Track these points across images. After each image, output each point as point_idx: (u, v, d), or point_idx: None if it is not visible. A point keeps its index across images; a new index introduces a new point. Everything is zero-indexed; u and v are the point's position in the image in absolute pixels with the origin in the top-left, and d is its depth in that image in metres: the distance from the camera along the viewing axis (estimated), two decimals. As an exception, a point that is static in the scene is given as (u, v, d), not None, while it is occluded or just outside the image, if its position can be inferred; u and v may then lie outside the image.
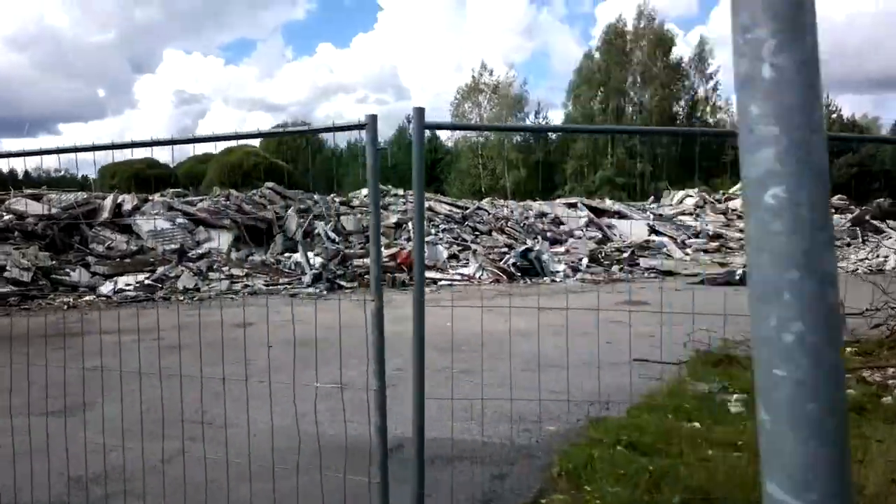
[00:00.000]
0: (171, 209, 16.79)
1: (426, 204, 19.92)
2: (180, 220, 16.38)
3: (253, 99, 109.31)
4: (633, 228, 22.66)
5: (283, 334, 7.40)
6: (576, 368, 5.63)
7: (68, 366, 5.40)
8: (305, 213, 17.88)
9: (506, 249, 18.27)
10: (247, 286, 13.67)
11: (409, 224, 18.77)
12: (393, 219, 18.91)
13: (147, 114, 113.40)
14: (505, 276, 15.68)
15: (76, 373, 5.75)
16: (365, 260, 15.95)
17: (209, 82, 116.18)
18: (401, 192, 20.81)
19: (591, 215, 22.28)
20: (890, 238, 20.29)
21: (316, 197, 19.00)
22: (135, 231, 15.63)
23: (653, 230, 22.86)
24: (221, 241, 16.16)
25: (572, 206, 23.16)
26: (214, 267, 14.84)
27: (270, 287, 13.76)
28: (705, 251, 22.36)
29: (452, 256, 17.24)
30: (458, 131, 53.90)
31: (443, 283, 14.86)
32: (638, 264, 18.79)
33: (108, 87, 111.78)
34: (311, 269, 15.05)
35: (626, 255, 19.44)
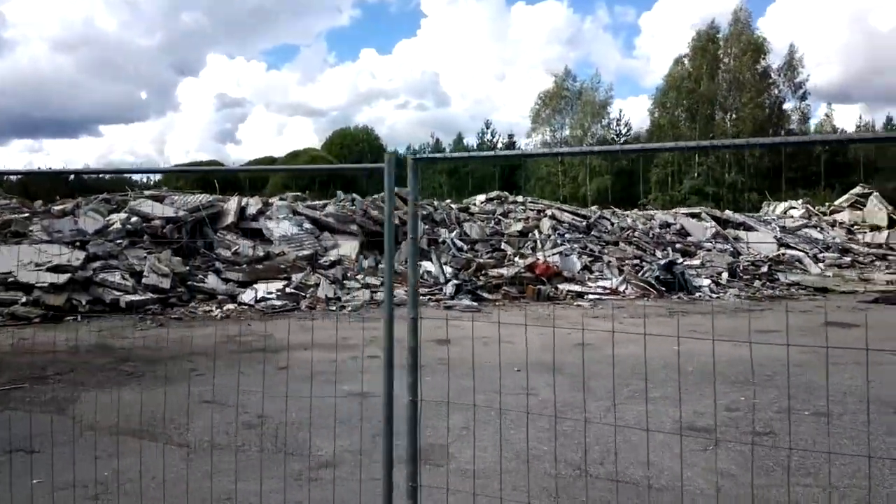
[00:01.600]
0: (295, 213, 16.27)
1: (549, 211, 19.00)
2: (307, 224, 15.84)
3: (294, 103, 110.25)
4: (760, 240, 21.17)
5: (488, 354, 6.55)
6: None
7: (326, 393, 4.66)
8: (428, 220, 17.13)
9: (637, 261, 17.13)
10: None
11: (536, 232, 17.85)
12: (516, 227, 17.98)
13: (189, 116, 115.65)
14: (653, 291, 14.54)
15: (353, 405, 4.98)
16: (500, 270, 15.10)
17: (251, 86, 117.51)
18: (520, 199, 19.88)
19: (717, 226, 20.90)
20: None
21: (435, 203, 18.25)
22: (264, 236, 15.13)
23: (781, 243, 21.33)
24: (349, 247, 15.54)
25: (695, 216, 21.81)
26: (349, 275, 14.19)
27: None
28: (839, 266, 20.73)
29: (585, 268, 16.20)
30: (537, 136, 52.67)
31: (590, 296, 13.83)
32: (777, 279, 17.35)
33: (151, 90, 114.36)
34: (448, 279, 14.25)
35: (763, 269, 18.04)
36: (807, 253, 20.59)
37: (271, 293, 12.53)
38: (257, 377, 5.84)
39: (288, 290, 12.78)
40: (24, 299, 10.57)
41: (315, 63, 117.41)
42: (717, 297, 14.36)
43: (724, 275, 16.81)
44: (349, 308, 11.97)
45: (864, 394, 5.50)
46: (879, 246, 23.22)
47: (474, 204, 19.72)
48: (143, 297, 11.79)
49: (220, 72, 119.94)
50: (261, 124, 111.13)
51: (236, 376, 5.23)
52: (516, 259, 15.70)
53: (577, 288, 14.40)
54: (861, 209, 29.65)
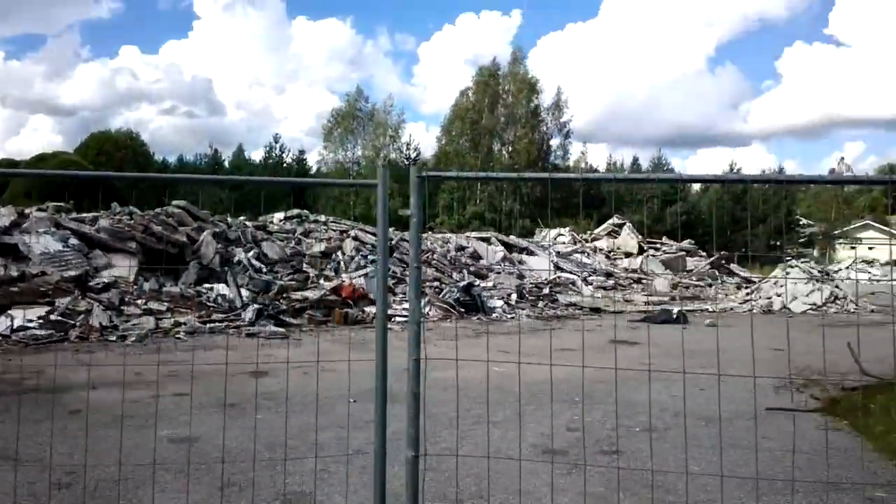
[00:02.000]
0: (58, 227, 14.06)
1: (352, 232, 18.66)
2: (73, 241, 13.74)
3: (36, 99, 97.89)
4: (538, 265, 22.88)
5: (307, 384, 6.14)
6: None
7: (142, 440, 3.90)
8: (220, 238, 15.85)
9: (436, 283, 17.49)
10: (179, 323, 11.62)
11: (339, 253, 17.40)
12: (318, 247, 17.38)
13: None
14: (454, 312, 14.87)
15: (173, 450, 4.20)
16: (303, 293, 14.41)
17: None
18: (322, 218, 19.27)
19: (505, 251, 22.19)
20: (762, 281, 22.12)
21: (229, 219, 16.98)
22: (20, 253, 12.83)
23: (557, 267, 23.25)
24: (125, 267, 13.75)
25: (485, 240, 22.94)
26: (127, 300, 12.52)
27: (209, 325, 11.81)
28: (604, 288, 23.14)
29: (388, 290, 16.07)
30: (329, 154, 52.13)
31: (398, 319, 13.71)
32: (557, 300, 18.84)
33: None
34: (246, 303, 13.24)
35: (545, 291, 19.47)
36: (578, 276, 22.68)
37: (31, 321, 10.56)
38: (46, 424, 4.76)
39: (52, 317, 10.89)
40: None
41: (64, 56, 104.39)
42: (512, 318, 15.10)
43: (514, 296, 17.82)
44: (132, 338, 10.49)
45: (674, 408, 5.96)
46: (634, 271, 26.36)
47: (272, 222, 18.72)
48: None
49: None
50: None
51: (16, 424, 4.16)
52: (320, 281, 15.12)
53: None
54: (616, 237, 33.51)
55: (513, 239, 25.08)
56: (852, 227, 58.80)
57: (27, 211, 14.77)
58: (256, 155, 58.26)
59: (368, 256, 17.80)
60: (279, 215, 19.09)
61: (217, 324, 12.00)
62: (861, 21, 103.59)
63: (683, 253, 28.53)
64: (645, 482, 3.95)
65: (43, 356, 8.75)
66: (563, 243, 30.76)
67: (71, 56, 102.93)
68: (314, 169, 53.70)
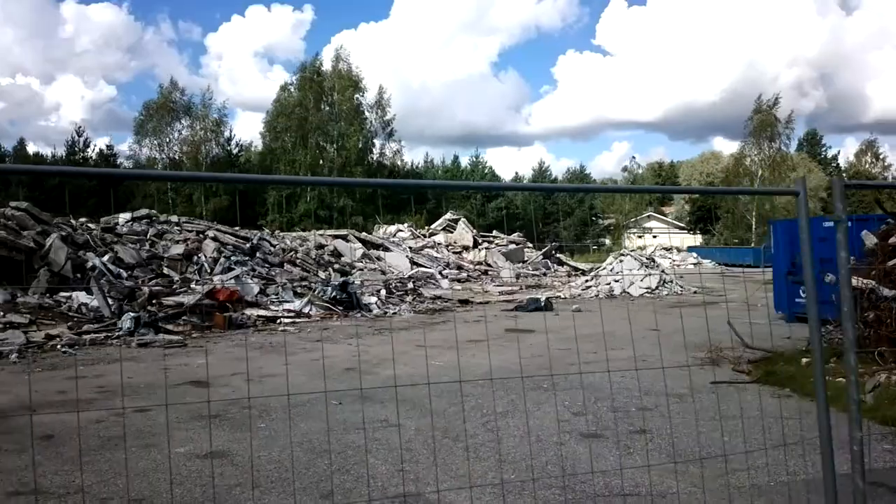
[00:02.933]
0: None
1: (210, 232, 17.78)
2: None
3: None
4: (396, 260, 23.44)
5: (262, 390, 6.19)
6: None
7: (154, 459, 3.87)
8: (67, 242, 14.37)
9: (303, 282, 17.33)
10: (52, 336, 10.51)
11: (201, 255, 16.53)
12: (177, 249, 16.35)
13: None
14: (336, 311, 14.91)
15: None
16: (174, 298, 13.60)
17: None
18: (174, 218, 18.05)
19: (364, 248, 22.42)
20: (599, 269, 24.63)
21: (72, 221, 15.42)
22: None
23: (413, 262, 23.98)
24: (-35, 277, 12.06)
25: (342, 237, 22.95)
26: (-22, 313, 11.04)
27: (85, 336, 10.80)
28: (458, 280, 24.30)
29: (260, 292, 15.68)
30: (143, 150, 48.04)
31: (283, 320, 13.49)
32: (422, 294, 19.56)
33: None
34: (115, 312, 12.25)
35: (409, 285, 20.08)
36: (434, 270, 23.59)
37: None
38: (26, 454, 4.39)
39: None
40: None
41: None
42: (391, 313, 15.47)
43: (383, 292, 18.19)
44: (12, 354, 9.35)
45: (638, 389, 6.78)
46: (479, 263, 27.92)
47: (117, 223, 17.22)
48: None
49: None
50: None
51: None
52: (192, 286, 14.34)
53: (265, 312, 13.90)
54: (452, 232, 35.01)
55: (367, 236, 25.32)
56: (639, 217, 66.47)
57: None
58: (36, 150, 51.93)
59: (231, 258, 17.13)
60: (125, 216, 17.60)
61: (93, 335, 11.01)
62: (624, 32, 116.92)
63: (520, 245, 30.64)
64: (691, 453, 4.67)
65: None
66: (403, 239, 31.58)
67: None
68: (123, 164, 49.25)
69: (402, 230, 34.24)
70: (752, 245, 48.61)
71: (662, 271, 21.05)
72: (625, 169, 69.81)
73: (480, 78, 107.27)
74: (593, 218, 67.83)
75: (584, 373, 6.34)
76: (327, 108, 51.53)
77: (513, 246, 30.18)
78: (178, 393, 6.93)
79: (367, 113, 54.46)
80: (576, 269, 30.03)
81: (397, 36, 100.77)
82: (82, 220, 16.42)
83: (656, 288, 20.03)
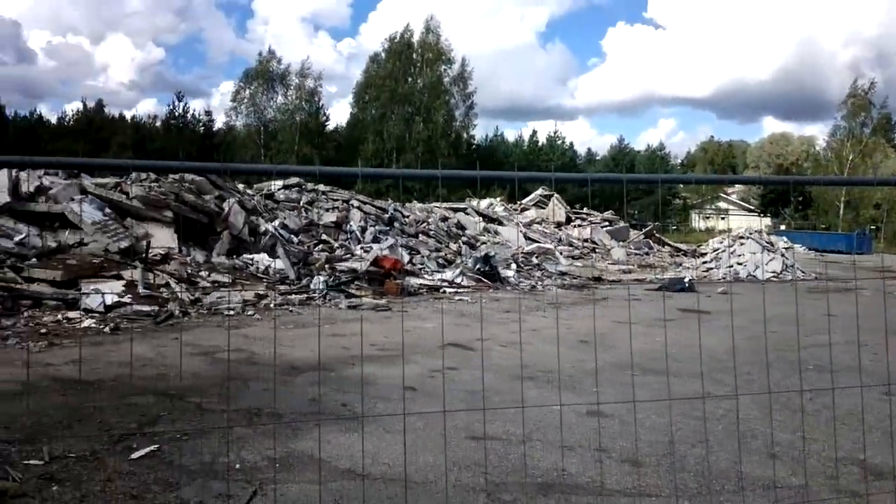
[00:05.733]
0: (84, 192, 12.95)
1: (353, 202, 18.53)
2: (107, 209, 12.76)
3: None
4: (509, 235, 23.83)
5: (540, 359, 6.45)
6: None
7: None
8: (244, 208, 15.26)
9: (441, 254, 17.91)
10: (261, 296, 11.33)
11: (352, 224, 17.29)
12: (330, 217, 17.15)
13: None
14: (486, 282, 15.43)
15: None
16: (346, 264, 14.36)
17: None
18: (321, 187, 18.85)
19: (483, 221, 22.90)
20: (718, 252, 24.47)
21: (241, 187, 16.33)
22: (50, 222, 11.79)
23: (527, 237, 24.33)
24: (167, 237, 13.02)
25: (461, 210, 23.47)
26: (189, 273, 11.95)
27: (295, 297, 11.61)
28: (573, 257, 24.56)
29: (409, 262, 16.34)
30: (239, 119, 49.68)
31: (447, 290, 14.08)
32: (546, 269, 19.91)
33: None
34: (306, 276, 13.06)
35: (534, 260, 20.47)
36: (551, 246, 23.89)
37: (123, 296, 9.93)
38: (375, 430, 4.91)
39: (141, 291, 10.27)
40: None
41: None
42: (545, 287, 15.90)
43: (513, 266, 18.63)
44: (249, 311, 10.18)
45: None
46: (586, 241, 28.06)
47: (271, 191, 18.11)
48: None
49: None
50: None
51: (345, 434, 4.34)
52: (358, 252, 15.09)
53: (426, 282, 14.52)
54: (544, 208, 35.11)
55: (482, 209, 25.75)
56: (710, 197, 65.36)
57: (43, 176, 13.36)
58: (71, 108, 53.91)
59: (377, 227, 17.84)
60: (279, 183, 18.48)
61: (296, 295, 11.81)
62: (677, 5, 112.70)
63: (624, 224, 30.62)
64: None
65: (199, 332, 8.34)
66: (496, 213, 31.91)
67: None
68: (221, 129, 50.85)
69: (493, 203, 34.55)
70: (840, 230, 47.27)
71: (782, 255, 20.85)
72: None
73: (527, 49, 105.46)
74: (671, 198, 66.71)
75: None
76: (414, 80, 51.87)
77: (620, 224, 30.22)
78: (459, 354, 7.50)
79: (449, 86, 54.59)
80: (677, 249, 29.89)
81: (443, 4, 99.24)
82: (241, 186, 17.28)
83: (781, 272, 19.90)
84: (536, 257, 20.93)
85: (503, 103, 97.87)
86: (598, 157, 71.69)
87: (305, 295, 11.98)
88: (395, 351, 7.49)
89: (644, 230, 32.41)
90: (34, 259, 10.87)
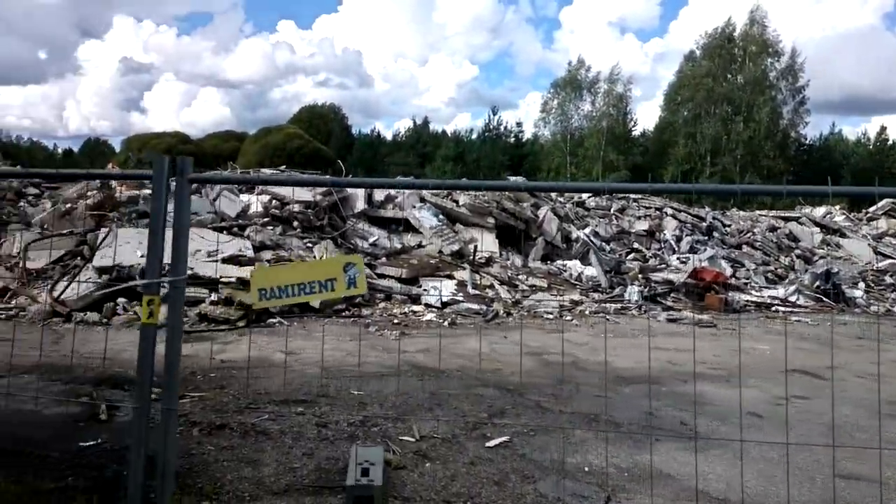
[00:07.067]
0: (422, 201, 14.59)
1: (667, 209, 17.82)
2: (440, 215, 14.20)
3: (205, 73, 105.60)
4: (855, 249, 20.60)
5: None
6: None
7: None
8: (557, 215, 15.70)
9: (769, 268, 16.17)
10: (576, 302, 11.51)
11: (666, 232, 16.66)
12: (641, 225, 16.77)
13: (91, 81, 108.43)
14: (830, 302, 13.54)
15: None
16: (662, 274, 13.83)
17: (159, 52, 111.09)
18: (633, 195, 18.57)
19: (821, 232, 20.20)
20: None
21: (553, 195, 16.82)
22: (391, 227, 13.47)
23: (876, 251, 20.80)
24: (489, 242, 14.00)
25: (793, 219, 21.07)
26: (510, 276, 12.68)
27: (609, 306, 11.59)
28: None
29: (731, 275, 15.08)
30: (545, 129, 51.62)
31: (782, 309, 12.70)
32: (903, 291, 16.68)
33: (51, 50, 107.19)
34: (619, 284, 12.92)
35: (887, 279, 17.38)
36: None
37: (456, 294, 10.93)
38: None
39: (470, 291, 11.20)
40: (213, 297, 8.70)
41: (230, 32, 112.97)
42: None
43: (861, 285, 16.02)
44: (568, 317, 10.46)
45: None
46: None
47: (579, 197, 18.37)
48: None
49: (127, 35, 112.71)
50: (168, 93, 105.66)
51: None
52: (674, 262, 14.48)
53: (756, 298, 13.28)
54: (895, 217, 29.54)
55: (820, 219, 22.77)
56: None
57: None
58: (400, 125, 59.71)
59: (694, 237, 16.87)
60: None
61: (607, 304, 11.76)
62: None
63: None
64: None
65: (489, 335, 8.82)
66: (836, 222, 27.72)
67: (235, 32, 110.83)
68: (529, 139, 53.30)
69: (832, 212, 30.22)
70: None
71: None
72: None
73: (869, 33, 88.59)
74: None
75: None
76: (734, 77, 47.95)
77: None
78: (806, 382, 6.71)
79: (776, 81, 49.28)
80: None
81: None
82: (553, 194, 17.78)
83: None
84: (891, 276, 17.75)
85: (837, 96, 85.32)
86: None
87: (620, 304, 11.84)
88: (725, 370, 6.98)
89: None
90: (384, 258, 12.56)
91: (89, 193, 11.61)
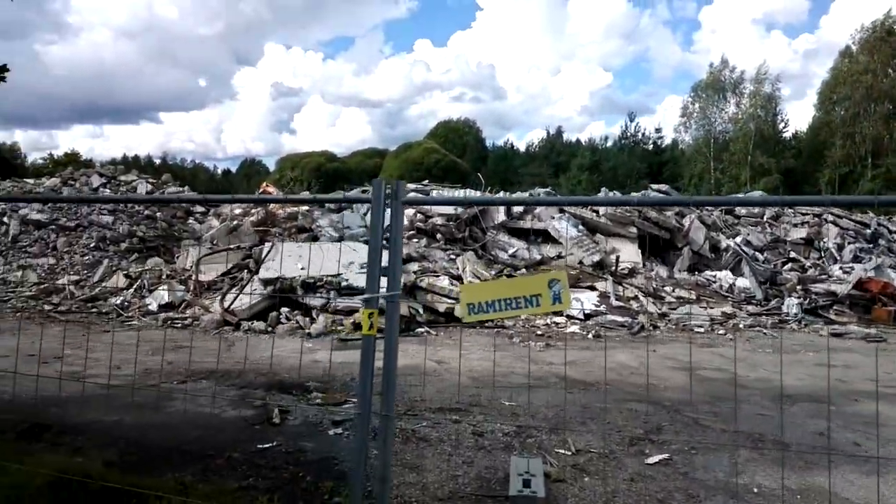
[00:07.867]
0: (561, 212, 14.51)
1: (828, 216, 16.52)
2: (581, 226, 14.06)
3: (348, 94, 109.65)
4: None
5: None
6: None
7: None
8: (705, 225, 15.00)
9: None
10: (730, 315, 10.94)
11: (827, 240, 15.43)
12: (799, 233, 15.63)
13: (245, 105, 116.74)
14: None
15: None
16: (824, 286, 12.82)
17: (307, 76, 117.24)
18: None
19: None
20: None
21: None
22: (530, 238, 13.47)
23: None
24: (631, 252, 13.65)
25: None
26: (655, 287, 12.29)
27: (766, 319, 10.93)
28: None
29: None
30: (686, 134, 49.41)
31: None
32: None
33: (210, 78, 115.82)
34: (775, 296, 12.14)
35: None
36: None
37: (598, 305, 10.76)
38: None
39: (613, 303, 10.99)
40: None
41: (370, 54, 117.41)
42: None
43: None
44: (713, 328, 10.00)
45: None
46: None
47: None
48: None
49: (277, 61, 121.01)
50: (316, 114, 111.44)
51: None
52: (836, 272, 13.39)
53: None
54: None
55: None
56: None
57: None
58: (533, 136, 58.85)
59: (855, 245, 15.46)
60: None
61: (763, 318, 11.07)
62: None
63: None
64: None
65: (635, 349, 8.56)
66: None
67: (375, 53, 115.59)
68: (668, 145, 51.26)
69: None
70: None
71: None
72: None
73: None
74: None
75: None
76: (895, 73, 43.48)
77: None
78: None
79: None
80: None
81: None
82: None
83: None
84: None
85: None
86: None
87: (777, 317, 11.11)
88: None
89: None
90: (524, 269, 12.63)
91: (252, 211, 12.65)
